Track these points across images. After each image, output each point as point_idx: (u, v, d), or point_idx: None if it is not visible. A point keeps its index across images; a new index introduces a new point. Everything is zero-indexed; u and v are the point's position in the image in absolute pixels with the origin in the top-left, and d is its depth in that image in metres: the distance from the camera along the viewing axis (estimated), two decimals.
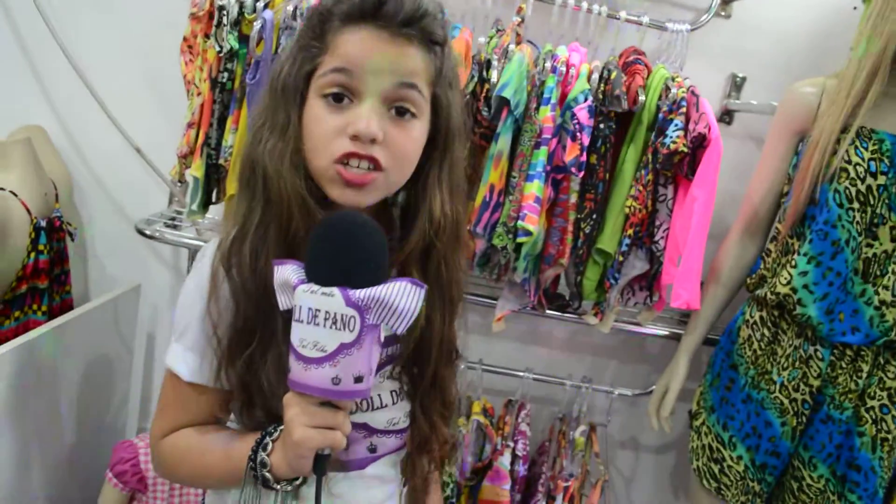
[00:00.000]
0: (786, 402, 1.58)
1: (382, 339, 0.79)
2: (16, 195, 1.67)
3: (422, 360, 0.98)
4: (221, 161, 1.58)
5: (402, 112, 0.87)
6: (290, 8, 1.51)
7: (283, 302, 0.80)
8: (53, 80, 1.90)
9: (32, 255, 1.69)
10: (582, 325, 1.79)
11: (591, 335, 2.07)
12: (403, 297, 0.76)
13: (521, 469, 1.80)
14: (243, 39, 1.54)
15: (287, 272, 0.79)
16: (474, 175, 1.62)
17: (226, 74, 1.56)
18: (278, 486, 0.85)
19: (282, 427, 0.83)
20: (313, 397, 0.78)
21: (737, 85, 1.99)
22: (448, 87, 0.94)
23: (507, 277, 1.70)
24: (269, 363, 0.88)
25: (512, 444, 1.79)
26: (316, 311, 0.75)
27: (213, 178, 1.63)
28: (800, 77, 1.64)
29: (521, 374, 1.92)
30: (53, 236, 1.77)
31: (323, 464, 0.80)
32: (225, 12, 1.49)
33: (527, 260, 1.61)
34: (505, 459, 1.77)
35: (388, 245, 0.81)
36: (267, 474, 0.84)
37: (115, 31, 1.87)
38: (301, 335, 0.77)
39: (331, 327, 0.75)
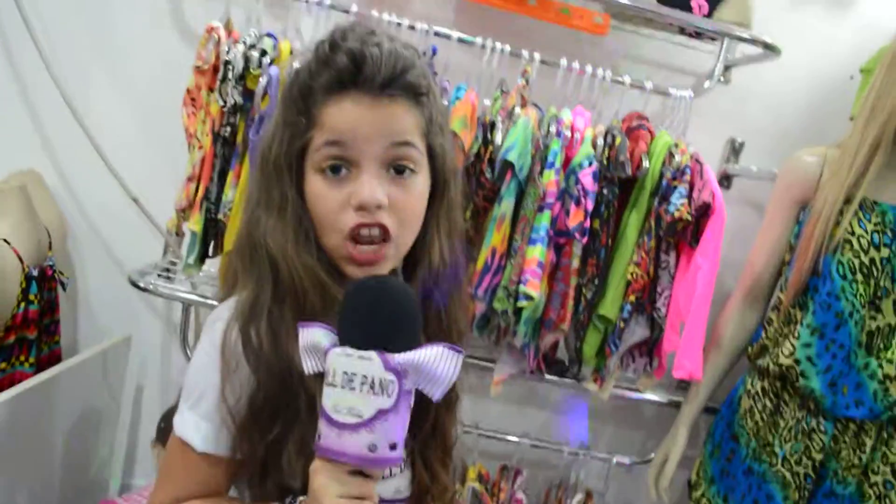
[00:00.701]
0: (788, 475, 1.55)
1: (412, 403, 0.78)
2: (8, 243, 1.64)
3: (421, 408, 0.93)
4: (220, 216, 1.56)
5: (401, 170, 0.87)
6: (296, 64, 1.50)
7: (309, 365, 0.78)
8: (52, 125, 1.88)
9: (22, 304, 1.65)
10: (579, 388, 1.77)
11: (586, 399, 2.04)
12: (442, 362, 0.75)
13: None
14: (247, 94, 1.53)
15: (317, 335, 0.77)
16: (476, 237, 1.61)
17: (228, 129, 1.55)
18: None
19: (302, 498, 0.81)
20: (345, 465, 0.76)
21: (735, 150, 2.00)
22: (440, 133, 0.94)
23: (507, 340, 1.68)
24: (291, 442, 0.85)
25: None
26: (352, 375, 0.73)
27: (211, 232, 1.61)
28: (797, 143, 1.66)
29: (518, 440, 1.89)
30: (45, 285, 1.74)
31: None
32: (231, 67, 1.49)
33: (527, 325, 1.59)
34: None
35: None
36: None
37: (117, 78, 1.87)
38: (335, 400, 0.74)
39: (368, 392, 0.73)
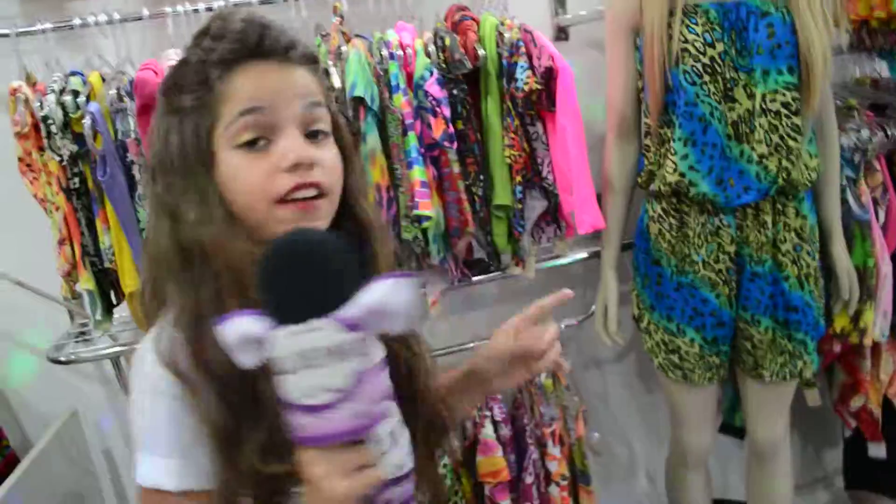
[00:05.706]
0: (712, 275, 1.66)
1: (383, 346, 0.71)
2: None
3: (399, 375, 0.86)
4: (107, 264, 1.54)
5: (314, 135, 0.87)
6: (113, 92, 1.47)
7: (248, 359, 0.69)
8: None
9: None
10: (509, 277, 1.84)
11: (519, 282, 2.10)
12: (394, 294, 0.66)
13: (506, 431, 1.85)
14: (79, 139, 1.48)
15: (245, 325, 0.67)
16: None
17: (76, 179, 1.51)
18: None
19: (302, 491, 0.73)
20: (336, 444, 0.68)
21: (560, 1, 2.03)
22: (332, 100, 0.97)
23: (427, 262, 1.72)
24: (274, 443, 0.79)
25: (489, 413, 1.84)
26: (309, 352, 0.64)
27: (106, 282, 1.59)
28: None
29: (469, 345, 1.95)
30: None
31: None
32: (51, 121, 1.44)
33: (436, 241, 1.64)
34: (487, 430, 1.82)
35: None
36: None
37: None
38: (300, 386, 0.65)
39: (334, 361, 0.64)
